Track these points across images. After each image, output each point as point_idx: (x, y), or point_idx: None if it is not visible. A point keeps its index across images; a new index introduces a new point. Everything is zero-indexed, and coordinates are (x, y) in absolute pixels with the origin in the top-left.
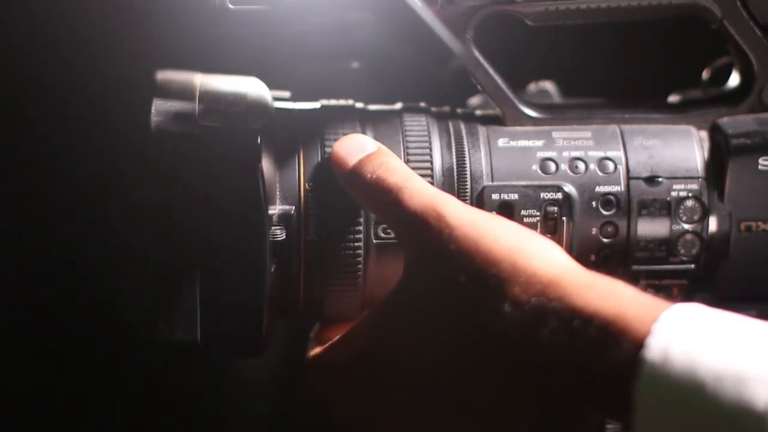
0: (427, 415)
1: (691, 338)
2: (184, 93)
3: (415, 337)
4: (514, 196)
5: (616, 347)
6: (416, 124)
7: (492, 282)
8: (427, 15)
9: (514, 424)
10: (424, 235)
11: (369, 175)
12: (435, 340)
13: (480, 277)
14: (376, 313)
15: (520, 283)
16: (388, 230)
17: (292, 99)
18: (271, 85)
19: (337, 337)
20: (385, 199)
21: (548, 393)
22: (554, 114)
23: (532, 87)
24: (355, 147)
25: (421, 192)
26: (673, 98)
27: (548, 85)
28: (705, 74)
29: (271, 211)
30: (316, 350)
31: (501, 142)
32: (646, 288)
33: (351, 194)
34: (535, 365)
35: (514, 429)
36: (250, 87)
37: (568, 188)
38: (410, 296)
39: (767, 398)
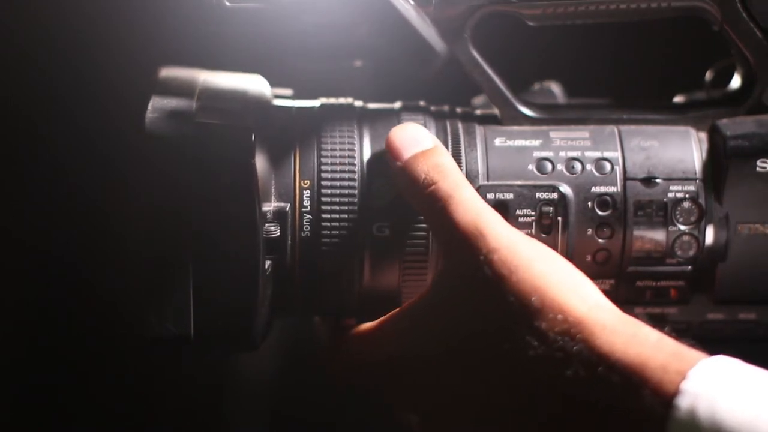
0: (445, 425)
1: (719, 402)
2: (184, 90)
3: (440, 351)
4: (509, 196)
5: (637, 398)
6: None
7: (520, 314)
8: (412, 16)
9: None
10: (462, 251)
11: (422, 175)
12: (458, 359)
13: (508, 308)
14: (406, 317)
15: (548, 319)
16: (383, 228)
17: (294, 97)
18: (274, 83)
19: (364, 336)
20: (432, 206)
21: (572, 431)
22: (552, 114)
23: (537, 87)
24: (411, 139)
25: (469, 205)
26: (677, 99)
27: (553, 86)
28: (708, 75)
29: (265, 208)
30: (333, 358)
31: (498, 141)
32: (643, 290)
33: (398, 187)
34: (556, 403)
35: None
36: (251, 84)
37: (564, 188)
38: (439, 310)
39: None
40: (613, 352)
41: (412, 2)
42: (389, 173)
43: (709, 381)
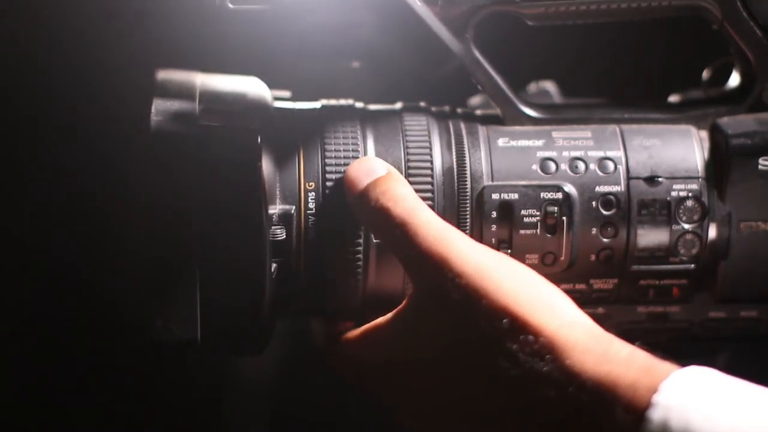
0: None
1: (692, 413)
2: (184, 92)
3: (419, 363)
4: (514, 196)
5: (609, 416)
6: (416, 124)
7: (490, 337)
8: (427, 15)
9: None
10: (427, 277)
11: (373, 203)
12: (437, 371)
13: (479, 331)
14: (387, 328)
15: (518, 340)
16: None
17: (293, 99)
18: (272, 85)
19: (349, 336)
20: (389, 233)
21: None
22: (554, 114)
23: (533, 87)
24: (364, 170)
25: (427, 228)
26: (673, 98)
27: (548, 85)
28: (705, 74)
29: (271, 211)
30: (328, 342)
31: (501, 141)
32: (646, 288)
33: (358, 220)
34: (530, 422)
35: None
36: (250, 86)
37: (568, 188)
38: (414, 327)
39: None
40: (583, 371)
41: (419, 2)
42: None
43: (681, 393)
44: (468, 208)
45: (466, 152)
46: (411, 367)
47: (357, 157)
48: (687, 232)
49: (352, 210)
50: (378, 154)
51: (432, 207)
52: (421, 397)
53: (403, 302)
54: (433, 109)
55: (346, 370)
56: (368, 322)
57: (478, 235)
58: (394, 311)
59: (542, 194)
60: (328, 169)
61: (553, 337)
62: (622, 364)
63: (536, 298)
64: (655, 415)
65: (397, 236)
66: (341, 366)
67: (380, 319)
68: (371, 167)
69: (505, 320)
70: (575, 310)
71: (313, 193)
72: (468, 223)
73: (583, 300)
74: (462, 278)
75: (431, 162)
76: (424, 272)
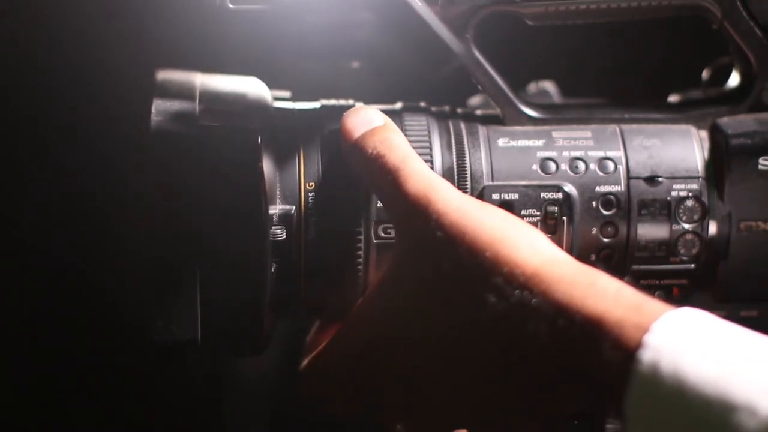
0: (422, 405)
1: (684, 356)
2: (184, 92)
3: (405, 327)
4: (515, 196)
5: (596, 352)
6: (416, 124)
7: (475, 272)
8: (428, 14)
9: (509, 414)
10: (413, 220)
11: (370, 150)
12: (424, 329)
13: (464, 267)
14: (365, 308)
15: (503, 273)
16: (389, 230)
17: (293, 99)
18: (272, 85)
19: (327, 341)
20: (382, 179)
21: (538, 386)
22: (554, 114)
23: (532, 87)
24: (361, 120)
25: (417, 175)
26: (673, 98)
27: (548, 85)
28: (705, 74)
29: (271, 211)
30: (309, 357)
31: (501, 141)
32: (646, 288)
33: (352, 167)
34: (523, 358)
35: (509, 419)
36: (250, 86)
37: (569, 188)
38: (398, 285)
39: (753, 430)
40: (571, 304)
41: (420, 2)
42: None
43: (673, 334)
44: None
45: (467, 152)
46: (400, 326)
47: None
48: (687, 231)
49: (345, 157)
50: None
51: None
52: (413, 361)
53: (385, 269)
54: (433, 109)
55: (330, 365)
56: None
57: None
58: (377, 279)
59: (542, 194)
60: (328, 169)
61: (538, 270)
62: (609, 299)
63: (519, 235)
64: (645, 356)
65: (389, 182)
66: (324, 362)
67: (364, 296)
68: (369, 117)
69: (488, 253)
70: (558, 249)
71: (314, 193)
72: None
73: None
74: (445, 216)
75: (431, 162)
76: (410, 214)
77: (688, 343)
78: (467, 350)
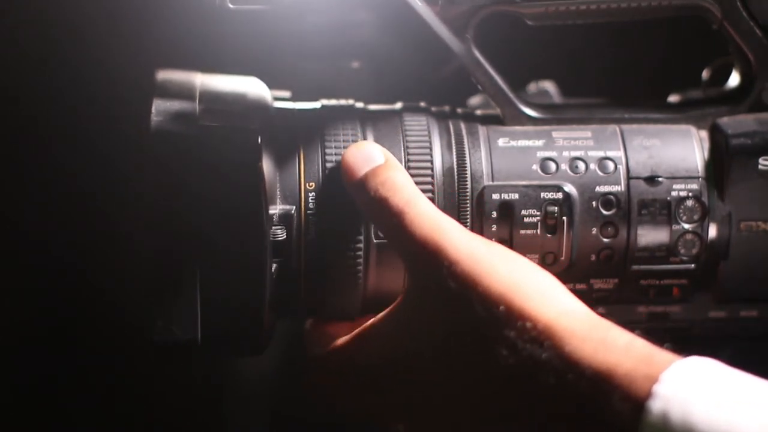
0: (423, 416)
1: (693, 405)
2: (184, 92)
3: (413, 363)
4: (515, 196)
5: (607, 405)
6: (416, 124)
7: (488, 324)
8: (428, 15)
9: None
10: (424, 266)
11: (372, 193)
12: (435, 366)
13: (476, 318)
14: (382, 326)
15: (516, 327)
16: None
17: (293, 99)
18: (272, 85)
19: (335, 345)
20: (387, 221)
21: None
22: (554, 114)
23: (532, 87)
24: (362, 157)
25: (423, 219)
26: (673, 98)
27: (548, 85)
28: (705, 74)
29: (271, 211)
30: (320, 350)
31: (501, 141)
32: (646, 288)
33: (358, 206)
34: (531, 412)
35: None
36: (250, 87)
37: (569, 188)
38: (411, 322)
39: None
40: (581, 359)
41: (420, 2)
42: None
43: (682, 383)
44: (468, 208)
45: (467, 152)
46: (407, 362)
47: None
48: (687, 231)
49: (349, 194)
50: None
51: None
52: (418, 394)
53: (398, 299)
54: (433, 109)
55: (337, 374)
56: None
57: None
58: (388, 309)
59: (542, 194)
60: (328, 169)
61: (550, 324)
62: (619, 352)
63: (532, 286)
64: (655, 406)
65: (395, 226)
66: (332, 372)
67: (373, 319)
68: (369, 154)
69: (501, 307)
70: (572, 298)
71: (314, 193)
72: (468, 223)
73: (583, 300)
74: (457, 265)
75: (431, 162)
76: (420, 261)
77: (697, 391)
78: (474, 395)
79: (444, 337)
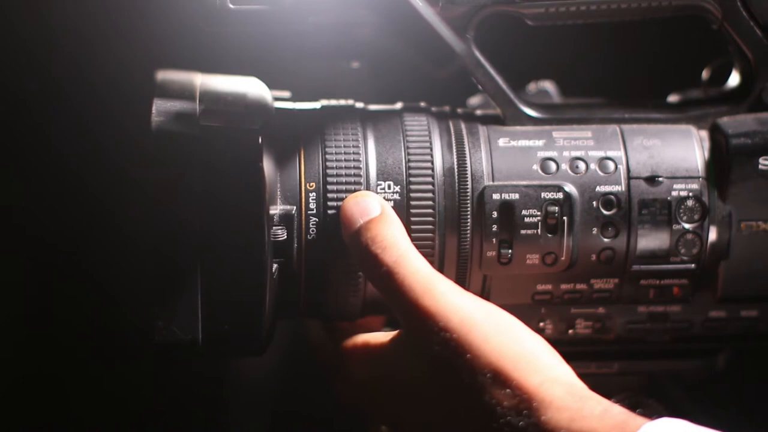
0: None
1: None
2: (185, 93)
3: (405, 390)
4: (515, 196)
5: None
6: (417, 124)
7: (471, 389)
8: (429, 14)
9: None
10: (414, 328)
11: (363, 247)
12: (417, 406)
13: (461, 383)
14: (376, 351)
15: (497, 395)
16: None
17: (293, 99)
18: (271, 85)
19: (338, 357)
20: (378, 278)
21: None
22: (554, 114)
23: (532, 87)
24: (359, 208)
25: (414, 279)
26: (673, 98)
27: (548, 85)
28: (705, 74)
29: (272, 211)
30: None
31: (501, 141)
32: (647, 288)
33: (352, 259)
34: None
35: None
36: (250, 87)
37: (569, 188)
38: (402, 363)
39: None
40: (558, 428)
41: (421, 2)
42: (395, 175)
43: None
44: (469, 208)
45: (467, 152)
46: (400, 390)
47: (358, 158)
48: (687, 231)
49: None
50: (379, 155)
51: (432, 207)
52: (405, 420)
53: (398, 331)
54: (434, 109)
55: (345, 378)
56: (367, 323)
57: (479, 235)
58: (394, 334)
59: (543, 194)
60: (328, 169)
61: (532, 393)
62: (595, 421)
63: (520, 353)
64: None
65: (385, 284)
66: (343, 373)
67: (381, 336)
68: (366, 206)
69: (488, 375)
70: (559, 364)
71: (314, 194)
72: (468, 224)
73: (583, 300)
74: (447, 332)
75: (432, 162)
76: (411, 323)
77: None
78: None
79: (429, 387)
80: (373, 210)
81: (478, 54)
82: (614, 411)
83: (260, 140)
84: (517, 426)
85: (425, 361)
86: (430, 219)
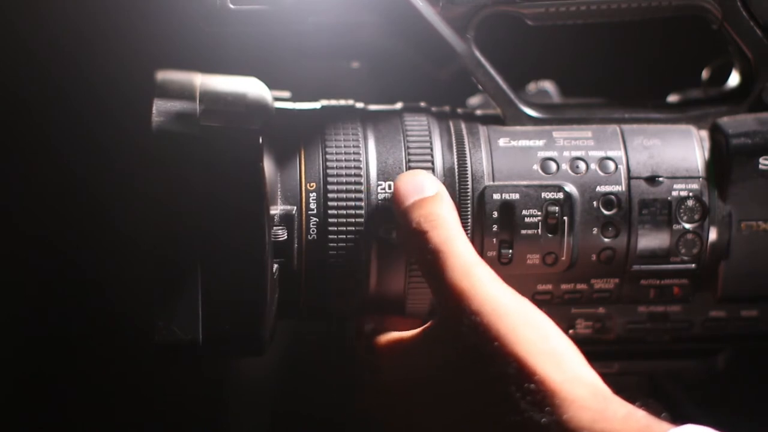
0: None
1: None
2: (185, 93)
3: (428, 384)
4: (515, 196)
5: None
6: (417, 124)
7: (496, 379)
8: (430, 14)
9: None
10: (448, 309)
11: (414, 225)
12: (444, 397)
13: (486, 371)
14: (401, 346)
15: (522, 388)
16: (389, 230)
17: (293, 99)
18: (272, 85)
19: (386, 347)
20: (422, 256)
21: None
22: (555, 114)
23: (532, 87)
24: (413, 185)
25: (456, 261)
26: (672, 98)
27: (548, 85)
28: (705, 74)
29: (272, 212)
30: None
31: (502, 141)
32: (647, 288)
33: (399, 234)
34: None
35: None
36: (250, 87)
37: (569, 188)
38: (429, 352)
39: None
40: (580, 427)
41: (421, 2)
42: (395, 175)
43: None
44: (469, 208)
45: (467, 152)
46: (428, 388)
47: (358, 158)
48: (688, 231)
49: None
50: (379, 155)
51: None
52: (427, 416)
53: (430, 321)
54: (434, 109)
55: (375, 379)
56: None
57: (479, 236)
58: (422, 327)
59: (543, 194)
60: (329, 169)
61: (555, 389)
62: (618, 423)
63: (547, 349)
64: None
65: (429, 262)
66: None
67: (413, 331)
68: (421, 184)
69: (512, 366)
70: (583, 364)
71: (314, 194)
72: (469, 224)
73: (583, 300)
74: (479, 317)
75: (432, 162)
76: (446, 300)
77: None
78: None
79: (455, 379)
80: (429, 189)
81: (478, 54)
82: (638, 415)
83: (260, 140)
84: (539, 422)
85: (454, 349)
86: None
